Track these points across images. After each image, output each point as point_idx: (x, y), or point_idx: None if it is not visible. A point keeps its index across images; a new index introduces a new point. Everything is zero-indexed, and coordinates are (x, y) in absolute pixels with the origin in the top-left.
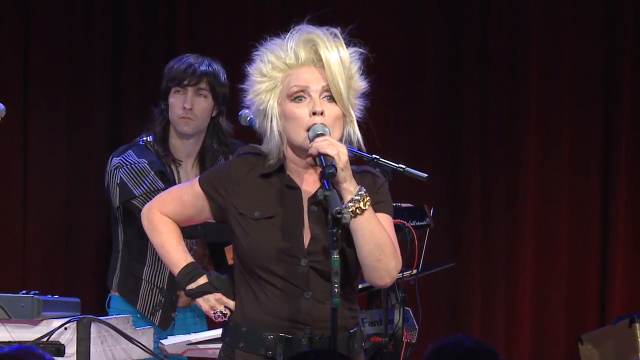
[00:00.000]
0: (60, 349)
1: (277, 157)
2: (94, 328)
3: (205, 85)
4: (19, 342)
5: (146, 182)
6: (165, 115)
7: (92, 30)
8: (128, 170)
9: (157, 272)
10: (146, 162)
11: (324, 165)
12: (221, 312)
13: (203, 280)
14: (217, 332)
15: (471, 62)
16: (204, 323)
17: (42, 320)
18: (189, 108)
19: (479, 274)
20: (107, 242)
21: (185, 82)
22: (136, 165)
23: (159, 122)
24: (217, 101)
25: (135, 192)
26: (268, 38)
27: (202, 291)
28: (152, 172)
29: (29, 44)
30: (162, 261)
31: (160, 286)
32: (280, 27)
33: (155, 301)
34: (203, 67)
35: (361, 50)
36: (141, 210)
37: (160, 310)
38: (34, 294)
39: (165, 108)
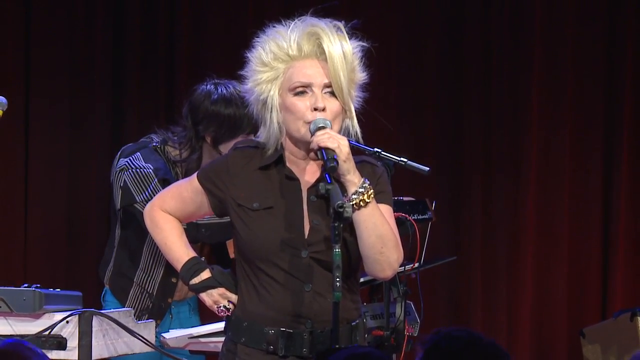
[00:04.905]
0: (62, 343)
1: (274, 148)
2: (95, 321)
3: None
4: (21, 336)
5: (149, 189)
6: (203, 148)
7: (93, 23)
8: (133, 175)
9: (149, 277)
10: (152, 168)
11: (325, 159)
12: (224, 306)
13: (206, 274)
14: (219, 326)
15: (473, 56)
16: (197, 317)
17: (43, 313)
18: None
19: (480, 268)
20: (108, 236)
21: (256, 130)
22: (141, 170)
23: (198, 157)
24: None
25: (137, 198)
26: (270, 25)
27: (206, 286)
28: (156, 180)
29: (30, 39)
30: (155, 267)
31: (151, 292)
32: (280, 20)
33: (143, 305)
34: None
35: (364, 44)
36: (142, 214)
37: (147, 315)
38: (36, 287)
39: (216, 148)
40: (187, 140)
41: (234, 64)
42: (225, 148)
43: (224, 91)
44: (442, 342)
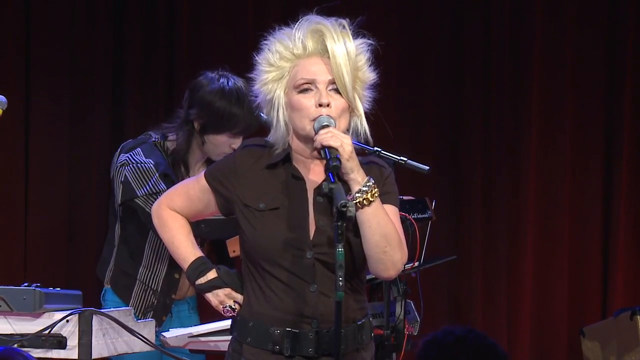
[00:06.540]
0: (62, 342)
1: (282, 147)
2: (95, 320)
3: None
4: (21, 335)
5: (150, 183)
6: (192, 135)
7: (93, 23)
8: (133, 169)
9: (152, 274)
10: (152, 163)
11: (328, 158)
12: (230, 306)
13: (212, 274)
14: (219, 325)
15: (473, 55)
16: (196, 316)
17: (44, 312)
18: (235, 148)
19: (480, 267)
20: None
21: (246, 134)
22: (142, 165)
23: (185, 140)
24: None
25: (138, 193)
26: (277, 27)
27: (212, 286)
28: (157, 174)
29: (30, 39)
30: (158, 263)
31: (155, 288)
32: (280, 21)
33: (147, 302)
34: (252, 113)
35: (370, 41)
36: (143, 209)
37: (152, 312)
38: (36, 286)
39: (202, 137)
40: (180, 123)
41: (233, 64)
42: (211, 141)
43: (225, 84)
44: (440, 335)
